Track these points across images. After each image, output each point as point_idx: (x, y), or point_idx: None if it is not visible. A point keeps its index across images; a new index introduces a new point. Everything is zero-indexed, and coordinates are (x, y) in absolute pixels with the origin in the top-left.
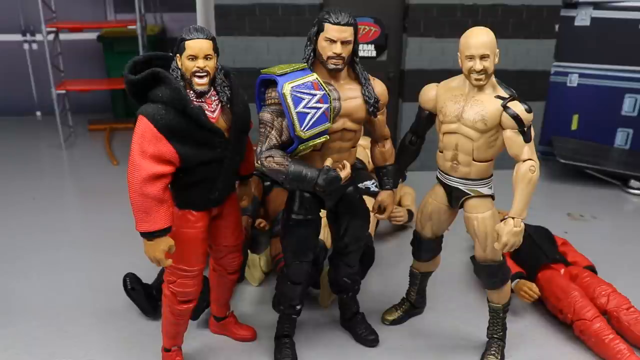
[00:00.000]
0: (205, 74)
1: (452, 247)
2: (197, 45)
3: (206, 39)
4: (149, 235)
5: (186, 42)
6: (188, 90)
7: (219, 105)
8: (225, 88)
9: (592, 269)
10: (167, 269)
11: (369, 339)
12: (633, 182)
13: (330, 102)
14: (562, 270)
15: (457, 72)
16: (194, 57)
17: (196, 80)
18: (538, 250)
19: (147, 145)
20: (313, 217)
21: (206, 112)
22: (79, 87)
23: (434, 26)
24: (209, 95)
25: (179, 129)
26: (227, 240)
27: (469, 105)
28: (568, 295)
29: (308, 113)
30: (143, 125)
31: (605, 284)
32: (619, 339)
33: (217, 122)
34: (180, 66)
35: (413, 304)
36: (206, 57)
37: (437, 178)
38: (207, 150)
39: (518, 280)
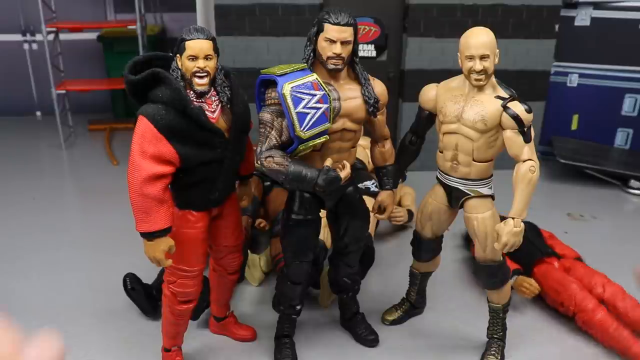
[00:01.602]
0: (205, 74)
1: (452, 247)
2: (198, 46)
3: (206, 39)
4: (149, 236)
5: (186, 43)
6: (188, 91)
7: (219, 105)
8: (226, 88)
9: (580, 260)
10: (167, 269)
11: (369, 339)
12: (633, 182)
13: (330, 102)
14: (556, 264)
15: (457, 72)
16: (194, 58)
17: (196, 80)
18: (532, 246)
19: (147, 145)
20: (313, 217)
21: (206, 112)
22: (79, 87)
23: (434, 26)
24: (209, 95)
25: (179, 129)
26: (227, 241)
27: (469, 106)
28: (567, 288)
29: (308, 113)
30: (143, 126)
31: (598, 274)
32: (622, 326)
33: (217, 122)
34: (180, 66)
35: (413, 304)
36: (206, 58)
37: (437, 178)
38: (207, 150)
39: (517, 276)
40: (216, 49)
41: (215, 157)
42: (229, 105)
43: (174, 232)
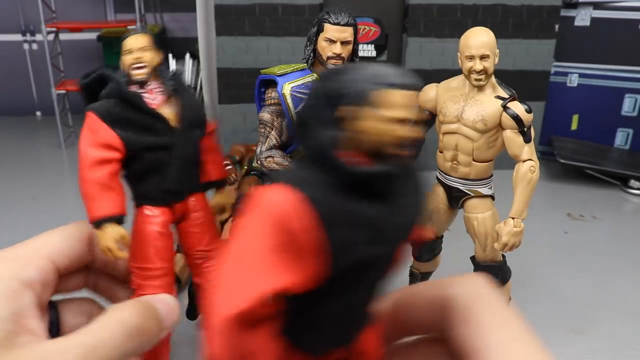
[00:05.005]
0: (142, 64)
1: (452, 247)
2: (132, 42)
3: (142, 34)
4: (97, 224)
5: (123, 42)
6: (130, 86)
7: (163, 95)
8: (171, 82)
9: None
10: (132, 275)
11: None
12: (633, 182)
13: None
14: None
15: (457, 72)
16: (129, 52)
17: (133, 72)
18: None
19: (91, 134)
20: None
21: (146, 98)
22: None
23: (434, 26)
24: (150, 86)
25: (119, 114)
26: (199, 244)
27: (468, 106)
28: None
29: None
30: (88, 119)
31: None
32: None
33: (159, 109)
34: (122, 64)
35: None
36: (141, 50)
37: (437, 178)
38: (152, 136)
39: None
40: (156, 43)
41: (161, 144)
42: (175, 97)
43: (134, 230)
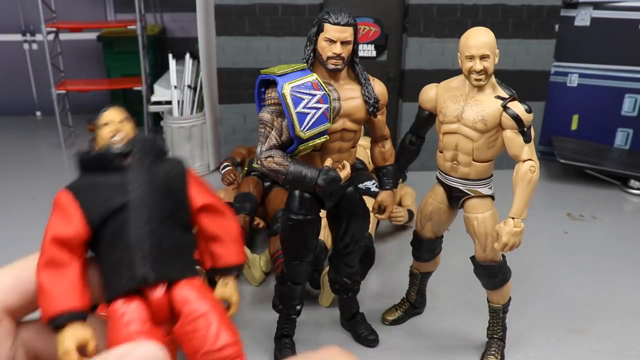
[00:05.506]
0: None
1: (452, 247)
2: (111, 115)
3: (119, 108)
4: None
5: (100, 116)
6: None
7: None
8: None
9: None
10: None
11: (369, 339)
12: (633, 182)
13: (330, 102)
14: None
15: (457, 72)
16: (107, 124)
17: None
18: None
19: None
20: (313, 217)
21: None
22: (79, 87)
23: (434, 26)
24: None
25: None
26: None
27: (468, 106)
28: None
29: (308, 113)
30: None
31: None
32: None
33: None
34: None
35: (413, 304)
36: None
37: (437, 178)
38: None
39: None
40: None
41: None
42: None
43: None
